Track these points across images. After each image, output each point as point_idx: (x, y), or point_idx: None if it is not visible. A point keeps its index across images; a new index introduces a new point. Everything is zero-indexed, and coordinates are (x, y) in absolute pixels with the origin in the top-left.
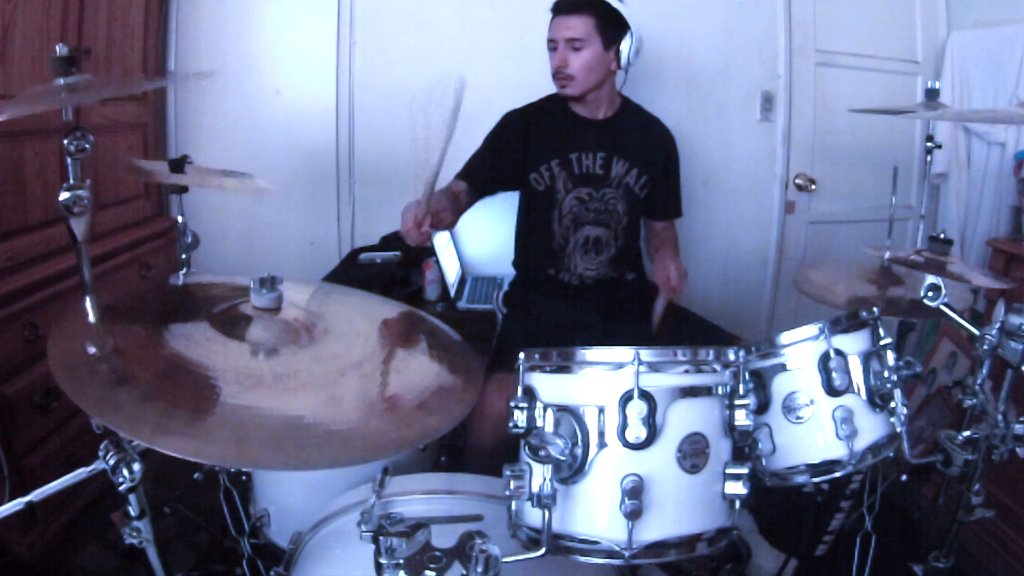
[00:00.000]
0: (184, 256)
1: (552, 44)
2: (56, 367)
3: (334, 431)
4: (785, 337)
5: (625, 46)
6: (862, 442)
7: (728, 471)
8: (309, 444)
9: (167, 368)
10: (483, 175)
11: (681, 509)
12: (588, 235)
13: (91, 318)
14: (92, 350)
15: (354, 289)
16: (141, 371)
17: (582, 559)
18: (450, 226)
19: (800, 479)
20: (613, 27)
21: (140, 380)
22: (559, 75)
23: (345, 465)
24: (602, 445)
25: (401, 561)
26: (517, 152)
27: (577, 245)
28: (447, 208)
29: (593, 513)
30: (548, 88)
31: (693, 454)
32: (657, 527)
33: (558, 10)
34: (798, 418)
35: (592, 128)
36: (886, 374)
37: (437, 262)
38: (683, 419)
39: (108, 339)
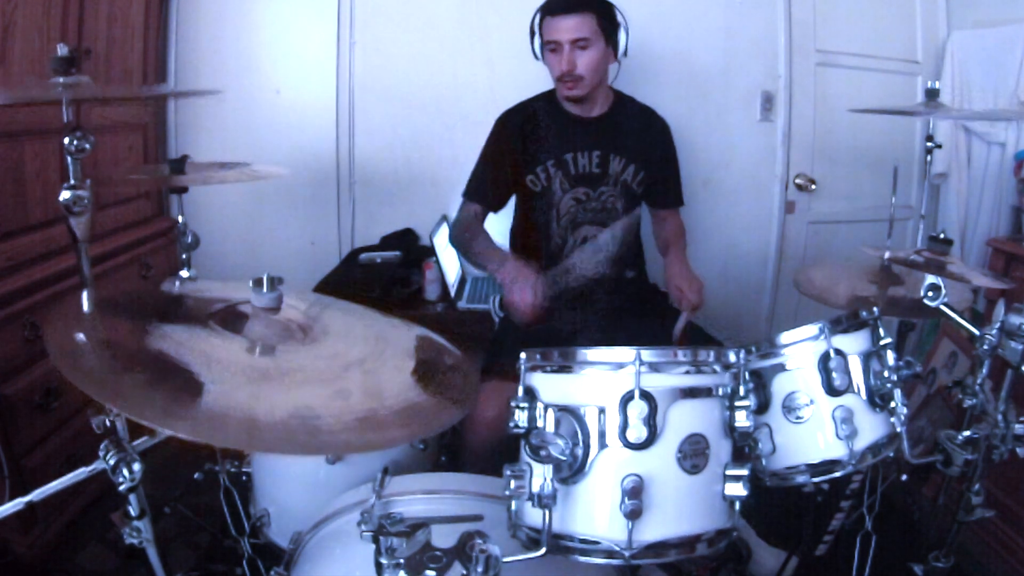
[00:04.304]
0: (184, 256)
1: (553, 46)
2: (56, 355)
3: (345, 419)
4: (785, 337)
5: (622, 40)
6: (862, 442)
7: (728, 472)
8: (321, 431)
9: (160, 360)
10: (496, 191)
11: (681, 509)
12: (586, 235)
13: (85, 307)
14: (80, 337)
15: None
16: (136, 362)
17: (582, 559)
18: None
19: (800, 479)
20: (611, 22)
21: (138, 368)
22: (567, 78)
23: (357, 451)
24: (603, 445)
25: (401, 561)
26: (516, 155)
27: (576, 245)
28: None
29: (593, 513)
30: (548, 89)
31: (693, 454)
32: (657, 527)
33: (555, 10)
34: (798, 418)
35: (587, 126)
36: (886, 374)
37: (437, 262)
38: (683, 420)
39: (99, 329)
